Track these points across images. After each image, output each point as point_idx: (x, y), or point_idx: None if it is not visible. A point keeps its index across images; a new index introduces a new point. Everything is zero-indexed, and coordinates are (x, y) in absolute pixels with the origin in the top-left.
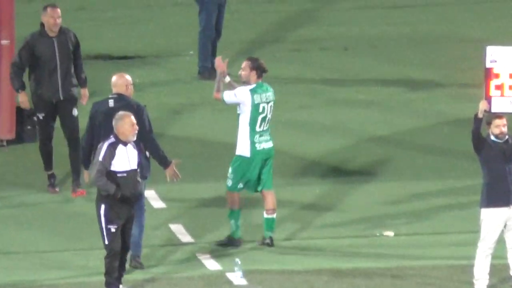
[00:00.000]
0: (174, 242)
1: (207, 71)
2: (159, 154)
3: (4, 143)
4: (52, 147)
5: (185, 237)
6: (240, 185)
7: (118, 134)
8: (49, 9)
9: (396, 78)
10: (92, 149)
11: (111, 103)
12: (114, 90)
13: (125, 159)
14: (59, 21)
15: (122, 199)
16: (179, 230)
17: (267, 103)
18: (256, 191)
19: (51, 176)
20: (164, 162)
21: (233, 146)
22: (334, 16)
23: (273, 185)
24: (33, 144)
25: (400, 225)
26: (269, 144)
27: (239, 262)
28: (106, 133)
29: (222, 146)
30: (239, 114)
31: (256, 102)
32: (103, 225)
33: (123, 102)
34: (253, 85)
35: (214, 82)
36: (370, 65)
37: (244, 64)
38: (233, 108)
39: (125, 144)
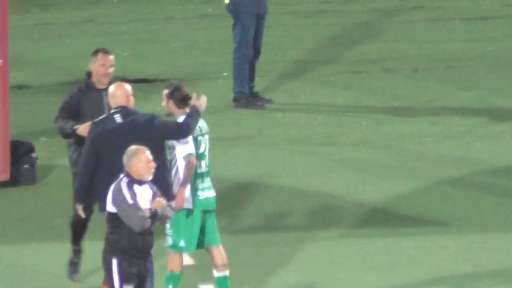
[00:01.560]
0: None
1: (245, 98)
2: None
3: None
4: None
5: None
6: (182, 244)
7: (132, 173)
8: (100, 55)
9: (477, 106)
10: (90, 179)
11: (118, 118)
12: (114, 103)
13: (141, 201)
14: (111, 70)
15: (137, 250)
16: None
17: (202, 135)
18: (200, 247)
19: (76, 253)
20: None
21: (271, 190)
22: (400, 31)
23: (325, 237)
24: (31, 188)
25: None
26: (212, 193)
27: None
28: (112, 157)
29: (260, 191)
30: (170, 160)
31: (194, 135)
32: (117, 284)
33: (132, 116)
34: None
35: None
36: (445, 91)
37: (163, 93)
38: (272, 146)
39: (140, 184)
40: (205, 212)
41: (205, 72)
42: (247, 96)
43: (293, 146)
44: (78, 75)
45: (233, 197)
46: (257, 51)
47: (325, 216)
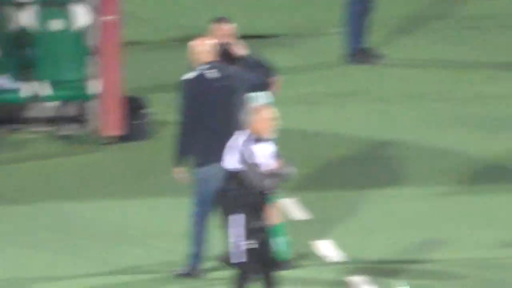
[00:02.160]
0: (320, 262)
1: (357, 53)
2: None
3: (110, 141)
4: None
5: (334, 255)
6: None
7: (253, 130)
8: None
9: None
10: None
11: (213, 74)
12: (201, 60)
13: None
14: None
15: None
16: (326, 247)
17: None
18: None
19: None
20: None
21: (386, 146)
22: None
23: (442, 193)
24: (142, 143)
25: None
26: None
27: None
28: (206, 112)
29: (376, 146)
30: None
31: None
32: (238, 238)
33: (226, 70)
34: None
35: None
36: None
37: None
38: (385, 101)
39: (262, 141)
40: None
41: (317, 27)
42: (360, 52)
43: (406, 102)
44: (190, 33)
45: (349, 152)
46: (371, 7)
47: (441, 171)
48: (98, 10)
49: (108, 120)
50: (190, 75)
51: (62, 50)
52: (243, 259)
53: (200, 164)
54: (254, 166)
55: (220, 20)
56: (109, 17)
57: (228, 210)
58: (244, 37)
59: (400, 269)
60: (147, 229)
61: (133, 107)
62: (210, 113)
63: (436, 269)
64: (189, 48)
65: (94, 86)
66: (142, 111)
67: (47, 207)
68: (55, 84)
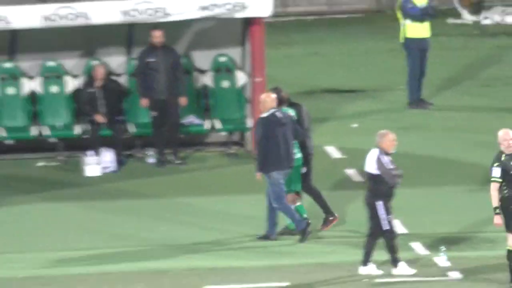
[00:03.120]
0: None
1: (415, 102)
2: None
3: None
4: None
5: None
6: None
7: (383, 147)
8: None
9: None
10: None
11: (279, 114)
12: (269, 107)
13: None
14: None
15: (390, 195)
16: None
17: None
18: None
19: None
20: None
21: (438, 161)
22: None
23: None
24: None
25: None
26: (297, 155)
27: (444, 248)
28: (276, 138)
29: (428, 161)
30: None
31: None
32: (384, 215)
33: (284, 113)
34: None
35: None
36: None
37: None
38: (432, 131)
39: (387, 154)
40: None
41: (390, 86)
42: (416, 101)
43: (446, 132)
44: (308, 89)
45: (411, 163)
46: (422, 73)
47: (469, 176)
48: (251, 74)
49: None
50: (265, 115)
51: (228, 99)
52: (393, 227)
53: (274, 169)
54: (389, 170)
55: (276, 88)
56: (258, 79)
57: (374, 199)
58: (343, 91)
59: (448, 239)
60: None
61: None
62: (278, 138)
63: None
64: (261, 99)
65: (249, 122)
66: None
67: (219, 200)
68: (225, 121)
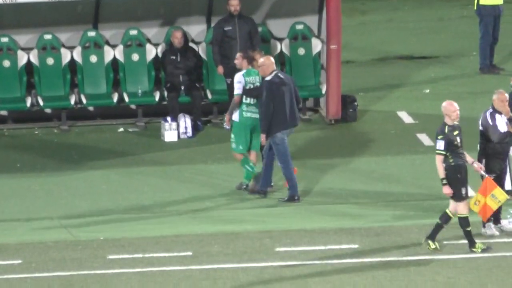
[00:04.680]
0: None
1: (486, 67)
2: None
3: (332, 122)
4: None
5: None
6: (240, 147)
7: (495, 106)
8: None
9: None
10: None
11: (281, 75)
12: (271, 69)
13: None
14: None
15: (498, 153)
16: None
17: (253, 84)
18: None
19: None
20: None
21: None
22: None
23: None
24: (353, 124)
25: None
26: (256, 115)
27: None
28: (281, 97)
29: None
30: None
31: (246, 82)
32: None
33: (285, 74)
34: (245, 70)
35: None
36: None
37: (238, 55)
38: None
39: (499, 114)
40: (250, 126)
41: (462, 52)
42: (488, 67)
43: None
44: (382, 55)
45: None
46: (495, 39)
47: None
48: (326, 41)
49: (332, 109)
50: (269, 78)
51: (304, 67)
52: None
53: (278, 130)
54: (495, 127)
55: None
56: (333, 46)
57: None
58: (416, 57)
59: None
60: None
61: (347, 101)
62: (284, 98)
63: None
64: (261, 62)
65: (323, 88)
66: (353, 103)
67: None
68: (300, 87)
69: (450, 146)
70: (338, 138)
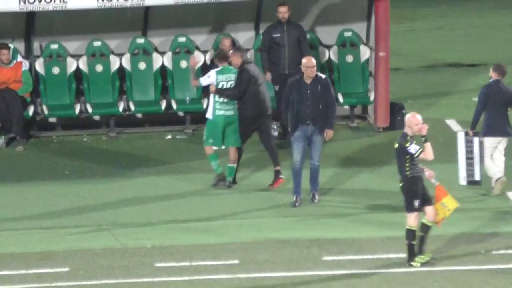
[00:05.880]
0: None
1: None
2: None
3: (381, 130)
4: None
5: None
6: (210, 141)
7: None
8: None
9: None
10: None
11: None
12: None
13: None
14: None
15: None
16: None
17: (227, 82)
18: (221, 146)
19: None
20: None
21: None
22: None
23: None
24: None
25: None
26: (230, 112)
27: None
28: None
29: None
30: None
31: (218, 80)
32: None
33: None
34: (219, 68)
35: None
36: None
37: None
38: None
39: None
40: (224, 123)
41: (508, 58)
42: None
43: None
44: (431, 62)
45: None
46: None
47: None
48: (375, 48)
49: (380, 116)
50: (294, 79)
51: (352, 74)
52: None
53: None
54: None
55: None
56: (382, 53)
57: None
58: (466, 65)
59: None
60: None
61: (395, 108)
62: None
63: None
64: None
65: (371, 96)
66: (401, 111)
67: (340, 172)
68: (348, 95)
69: (409, 158)
70: (387, 146)
